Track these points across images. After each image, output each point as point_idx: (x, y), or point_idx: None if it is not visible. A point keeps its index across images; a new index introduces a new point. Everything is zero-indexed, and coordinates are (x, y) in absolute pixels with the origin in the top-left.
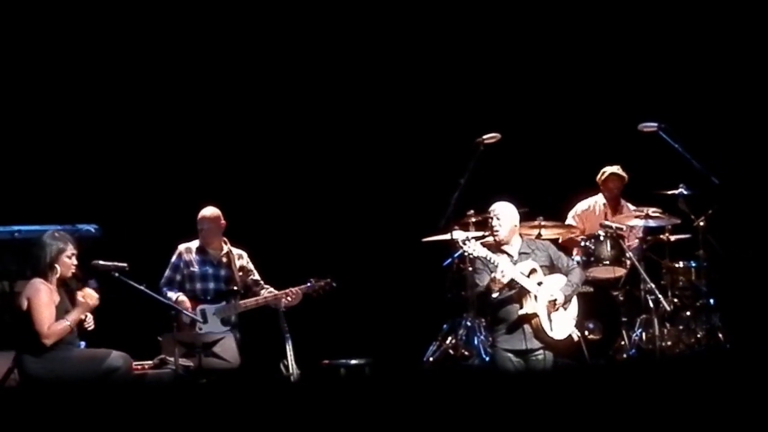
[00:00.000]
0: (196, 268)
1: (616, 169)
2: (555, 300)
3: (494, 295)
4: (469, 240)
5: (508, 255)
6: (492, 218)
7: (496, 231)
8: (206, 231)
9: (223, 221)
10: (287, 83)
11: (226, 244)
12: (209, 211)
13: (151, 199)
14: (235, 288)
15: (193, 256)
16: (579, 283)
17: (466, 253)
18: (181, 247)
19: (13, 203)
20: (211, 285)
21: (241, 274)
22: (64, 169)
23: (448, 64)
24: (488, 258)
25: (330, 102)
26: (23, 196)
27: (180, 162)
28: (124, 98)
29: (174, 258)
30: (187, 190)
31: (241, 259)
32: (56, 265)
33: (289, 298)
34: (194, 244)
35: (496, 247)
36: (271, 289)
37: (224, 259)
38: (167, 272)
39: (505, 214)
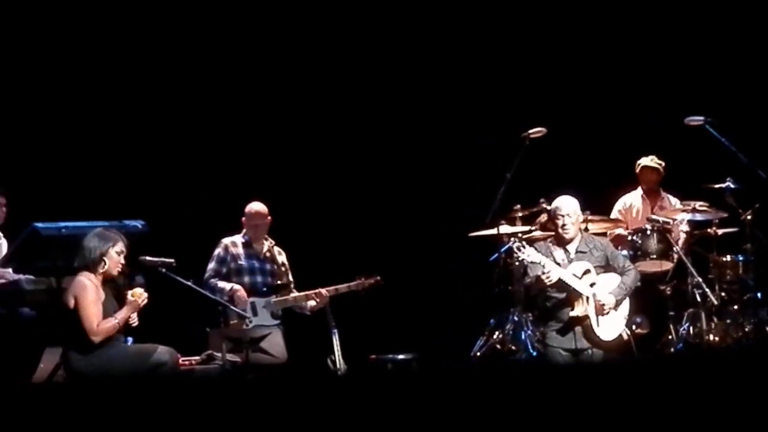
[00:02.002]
0: (243, 262)
1: (648, 161)
2: (605, 304)
3: (533, 294)
4: (523, 246)
5: (566, 250)
6: (560, 217)
7: (566, 230)
8: (257, 227)
9: (270, 217)
10: (329, 80)
11: (267, 240)
12: (260, 206)
13: (197, 195)
14: (281, 282)
15: (240, 250)
16: (632, 286)
17: (520, 258)
18: (226, 240)
19: (61, 200)
20: (259, 278)
21: (283, 269)
22: (111, 165)
23: (496, 60)
24: (541, 262)
25: (379, 96)
26: (70, 193)
27: (225, 158)
28: (170, 96)
29: (219, 251)
30: (232, 186)
31: (281, 255)
32: (105, 259)
33: (315, 301)
34: (238, 238)
35: (558, 244)
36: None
37: (268, 254)
38: (212, 265)
39: (573, 211)
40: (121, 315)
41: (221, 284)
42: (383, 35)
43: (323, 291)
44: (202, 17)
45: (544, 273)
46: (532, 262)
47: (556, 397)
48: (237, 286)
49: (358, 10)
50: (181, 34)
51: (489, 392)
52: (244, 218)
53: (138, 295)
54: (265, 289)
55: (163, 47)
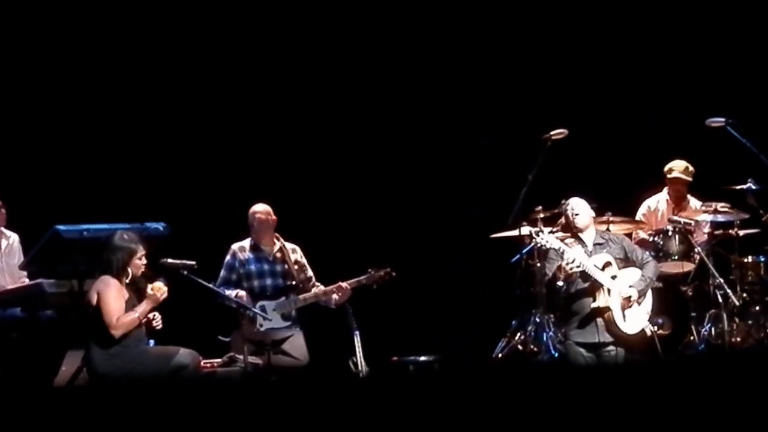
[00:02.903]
0: (252, 266)
1: (677, 173)
2: (629, 297)
3: (559, 284)
4: (542, 231)
5: (583, 244)
6: (568, 208)
7: (576, 215)
8: (258, 227)
9: (274, 217)
10: (353, 80)
11: (278, 240)
12: (260, 207)
13: (218, 198)
14: (293, 283)
15: (248, 255)
16: (653, 278)
17: (538, 244)
18: (235, 246)
19: (82, 202)
20: (269, 281)
21: (296, 268)
22: (132, 167)
23: (517, 61)
24: (560, 249)
25: (399, 98)
26: (92, 195)
27: (246, 160)
28: (190, 99)
29: (228, 258)
30: (253, 188)
31: (295, 253)
32: (129, 269)
33: (337, 295)
34: (247, 242)
35: (573, 236)
36: (322, 287)
37: (278, 255)
38: (222, 273)
39: (582, 204)
40: (140, 309)
41: (227, 292)
42: (403, 32)
43: (344, 284)
44: (216, 24)
45: (567, 262)
46: (551, 248)
47: (577, 398)
48: (242, 293)
49: (379, 11)
50: (201, 43)
51: (511, 394)
52: (248, 221)
53: (157, 288)
54: (274, 291)
55: (185, 54)
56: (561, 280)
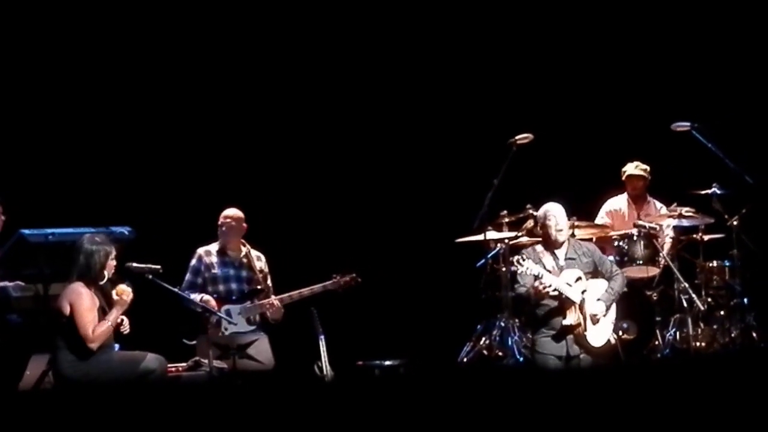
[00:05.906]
0: (217, 270)
1: (632, 169)
2: (596, 314)
3: (532, 303)
4: (523, 260)
5: (555, 257)
6: (551, 218)
7: (561, 231)
8: (228, 231)
9: (245, 224)
10: (319, 85)
11: (244, 246)
12: (232, 211)
13: (183, 201)
14: (259, 287)
15: (214, 259)
16: (620, 291)
17: (520, 273)
18: (200, 250)
19: (47, 206)
20: (234, 286)
21: (261, 275)
22: (97, 171)
23: (482, 66)
24: (540, 275)
25: (364, 102)
26: (56, 199)
27: (212, 164)
28: (156, 103)
29: (194, 261)
30: (219, 193)
31: (260, 260)
32: (105, 271)
33: (269, 312)
34: (213, 246)
35: (549, 249)
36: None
37: (244, 260)
38: (188, 276)
39: (562, 215)
40: (111, 316)
41: (192, 296)
42: (370, 38)
43: (275, 301)
44: (186, 32)
45: (541, 283)
46: (533, 275)
47: (543, 402)
48: (206, 297)
49: (340, 16)
50: (165, 46)
51: (476, 398)
52: (218, 224)
53: (123, 292)
54: (239, 295)
55: (148, 57)
56: (533, 298)
